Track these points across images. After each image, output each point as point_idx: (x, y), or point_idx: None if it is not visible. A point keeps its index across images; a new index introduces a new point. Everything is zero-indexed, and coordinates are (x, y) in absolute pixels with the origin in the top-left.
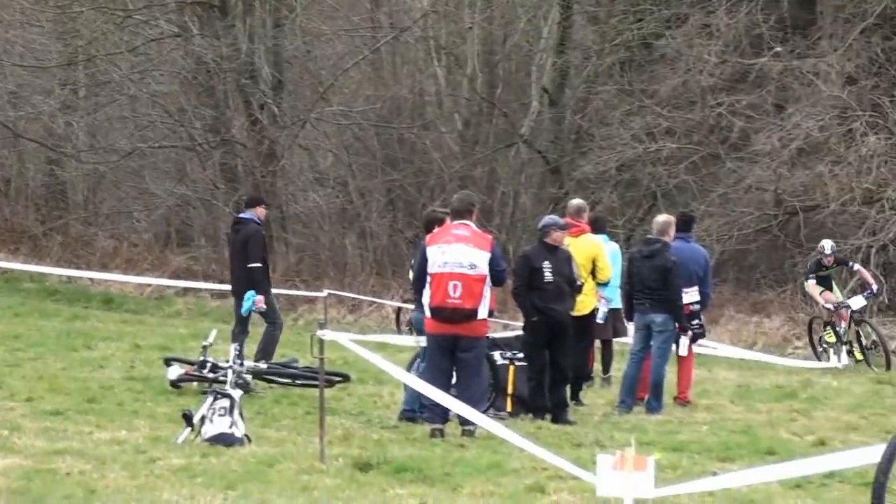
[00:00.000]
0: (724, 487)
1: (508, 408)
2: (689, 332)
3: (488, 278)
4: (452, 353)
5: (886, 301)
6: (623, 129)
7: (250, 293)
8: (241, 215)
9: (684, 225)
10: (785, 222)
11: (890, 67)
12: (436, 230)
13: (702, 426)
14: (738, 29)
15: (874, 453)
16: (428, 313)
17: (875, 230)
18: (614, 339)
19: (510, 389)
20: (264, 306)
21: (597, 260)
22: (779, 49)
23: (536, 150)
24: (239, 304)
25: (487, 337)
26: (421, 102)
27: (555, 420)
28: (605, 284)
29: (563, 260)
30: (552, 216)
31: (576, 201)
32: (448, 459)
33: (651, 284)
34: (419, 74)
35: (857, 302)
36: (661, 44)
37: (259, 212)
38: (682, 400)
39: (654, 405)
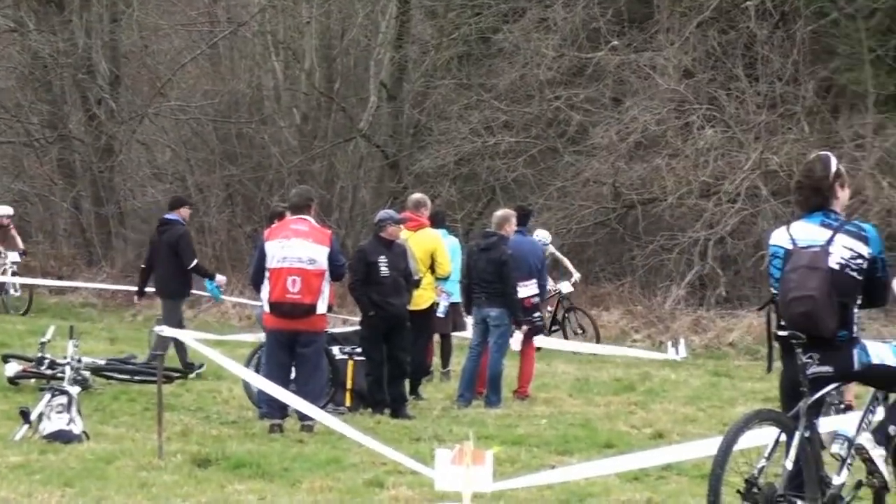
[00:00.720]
0: (562, 481)
1: (347, 403)
2: (525, 326)
3: (327, 273)
4: (291, 348)
5: (724, 294)
6: (461, 123)
7: (207, 282)
8: (167, 216)
9: (522, 219)
10: (623, 215)
11: (726, 61)
12: (275, 225)
13: (540, 420)
14: (576, 23)
15: (711, 446)
16: (267, 308)
17: (712, 223)
18: (454, 334)
19: (349, 384)
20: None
21: (435, 254)
22: (616, 43)
23: (375, 144)
24: (167, 306)
25: (326, 332)
26: (259, 97)
27: (394, 415)
28: (446, 279)
29: (399, 254)
30: (388, 211)
31: (416, 195)
32: (287, 455)
33: (487, 278)
34: (257, 69)
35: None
36: (498, 38)
37: (183, 213)
38: (521, 394)
39: (493, 399)
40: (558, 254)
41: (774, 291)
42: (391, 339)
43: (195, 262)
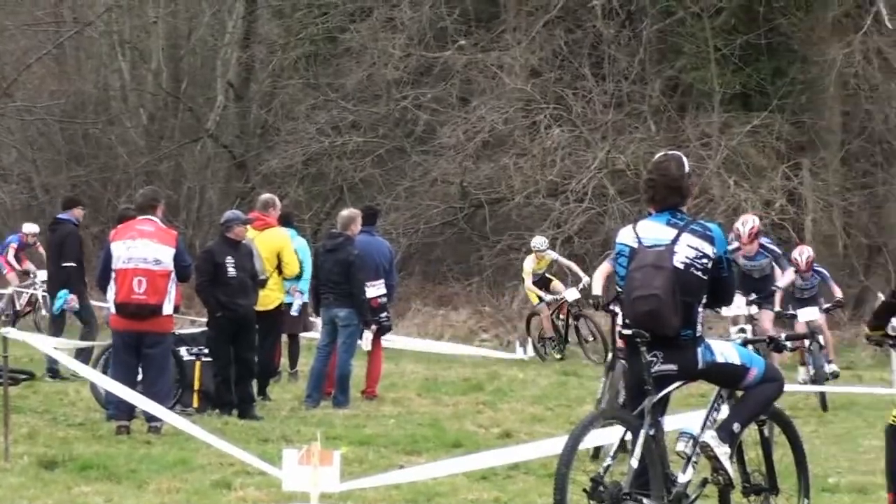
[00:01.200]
0: (410, 480)
1: (195, 404)
2: (374, 326)
3: (173, 274)
4: (138, 349)
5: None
6: (309, 123)
7: (63, 292)
8: (59, 216)
9: (369, 218)
10: (471, 215)
11: (573, 60)
12: (120, 226)
13: (389, 420)
14: (423, 22)
15: (558, 444)
16: (112, 310)
17: (560, 222)
18: (302, 335)
19: (196, 385)
20: (77, 305)
21: (282, 254)
22: (463, 42)
23: (222, 144)
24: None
25: (173, 333)
26: (106, 97)
27: (241, 415)
28: (298, 278)
29: (245, 255)
30: (235, 211)
31: (265, 195)
32: (134, 456)
33: (334, 278)
34: (104, 69)
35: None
36: (345, 37)
37: (76, 212)
38: (369, 394)
39: (341, 399)
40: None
41: (620, 290)
42: (238, 340)
43: (72, 264)
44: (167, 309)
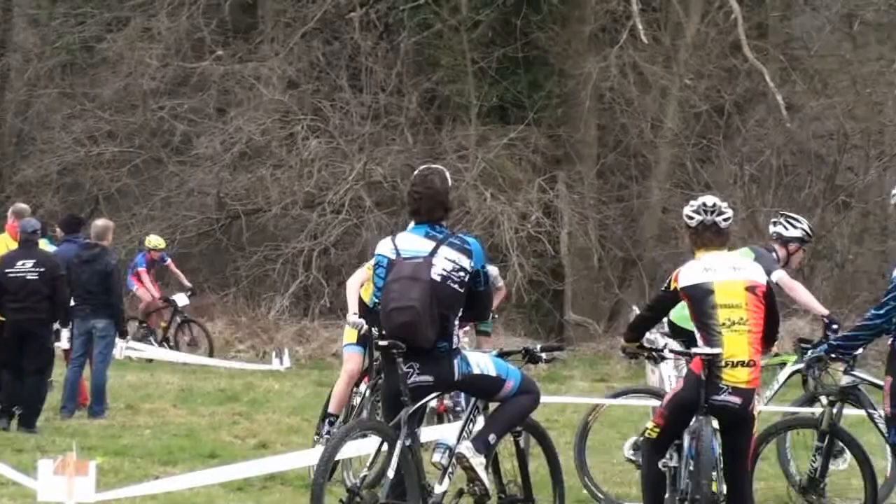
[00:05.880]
0: (165, 491)
1: None
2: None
3: None
4: None
5: (329, 304)
6: (65, 133)
7: None
8: None
9: (72, 227)
10: (227, 226)
11: (330, 72)
12: None
13: (144, 430)
14: (180, 32)
15: (314, 455)
16: None
17: (317, 233)
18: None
19: None
20: None
21: None
22: (220, 53)
23: None
24: None
25: None
26: None
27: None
28: None
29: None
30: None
31: (17, 205)
32: None
33: (92, 289)
34: None
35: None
36: (102, 47)
37: None
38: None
39: (97, 409)
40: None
41: (377, 301)
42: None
43: None
44: None
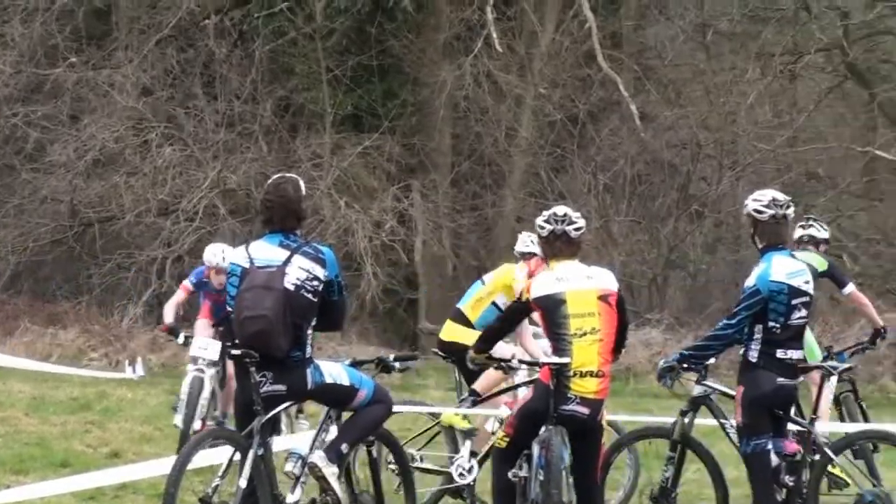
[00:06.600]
0: (16, 500)
1: None
2: None
3: None
4: None
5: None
6: None
7: None
8: None
9: None
10: (81, 233)
11: (185, 79)
12: None
13: None
14: (34, 39)
15: (166, 465)
16: None
17: (170, 241)
18: None
19: None
20: None
21: None
22: (74, 60)
23: None
24: None
25: None
26: None
27: None
28: None
29: None
30: None
31: None
32: None
33: None
34: None
35: None
36: None
37: None
38: None
39: None
40: None
41: (231, 309)
42: None
43: None
44: None
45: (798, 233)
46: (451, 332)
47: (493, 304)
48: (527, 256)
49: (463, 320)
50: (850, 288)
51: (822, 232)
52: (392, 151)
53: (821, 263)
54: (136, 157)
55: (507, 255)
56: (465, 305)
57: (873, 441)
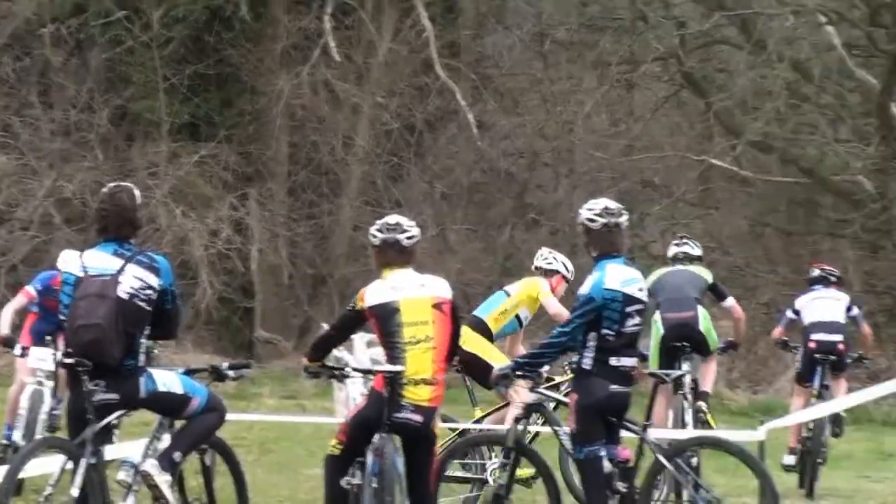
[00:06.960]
0: None
1: None
2: None
3: None
4: None
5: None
6: None
7: None
8: None
9: None
10: None
11: (21, 87)
12: None
13: None
14: None
15: None
16: None
17: (5, 251)
18: None
19: None
20: None
21: None
22: None
23: None
24: None
25: None
26: None
27: None
28: None
29: None
30: None
31: None
32: None
33: None
34: None
35: None
36: None
37: None
38: None
39: None
40: None
41: (64, 318)
42: None
43: None
44: None
45: (672, 251)
46: (473, 343)
47: (516, 316)
48: (549, 274)
49: (483, 330)
50: (731, 301)
51: (695, 249)
52: (229, 160)
53: (709, 276)
54: None
55: (343, 263)
56: (489, 316)
57: (706, 447)
